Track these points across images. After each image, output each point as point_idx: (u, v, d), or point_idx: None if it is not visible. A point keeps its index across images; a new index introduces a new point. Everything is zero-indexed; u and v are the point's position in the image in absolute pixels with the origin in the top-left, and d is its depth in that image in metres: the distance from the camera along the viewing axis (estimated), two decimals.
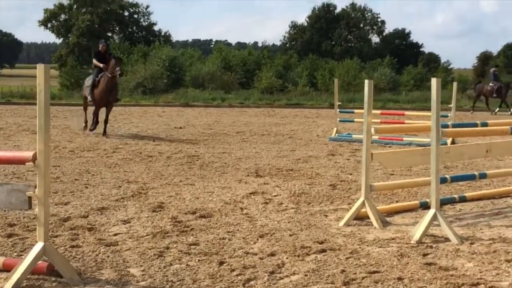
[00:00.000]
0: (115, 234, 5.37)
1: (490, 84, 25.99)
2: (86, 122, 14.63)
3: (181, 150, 11.32)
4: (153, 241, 5.16)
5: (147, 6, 60.00)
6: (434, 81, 5.31)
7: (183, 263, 4.59)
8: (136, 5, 58.11)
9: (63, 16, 57.28)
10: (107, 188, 7.44)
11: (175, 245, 5.04)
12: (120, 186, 7.58)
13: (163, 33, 57.96)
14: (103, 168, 9.01)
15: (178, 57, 37.14)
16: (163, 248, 4.95)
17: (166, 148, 11.61)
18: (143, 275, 4.32)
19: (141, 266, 4.50)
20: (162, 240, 5.19)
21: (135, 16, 58.70)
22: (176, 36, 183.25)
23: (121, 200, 6.79)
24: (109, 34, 57.81)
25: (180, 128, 16.28)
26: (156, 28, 58.95)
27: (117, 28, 58.62)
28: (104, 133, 13.59)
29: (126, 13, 58.32)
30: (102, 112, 14.04)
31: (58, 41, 62.11)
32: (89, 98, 14.02)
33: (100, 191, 7.23)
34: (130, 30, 58.68)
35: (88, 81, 14.27)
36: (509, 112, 25.75)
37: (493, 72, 27.02)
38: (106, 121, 13.85)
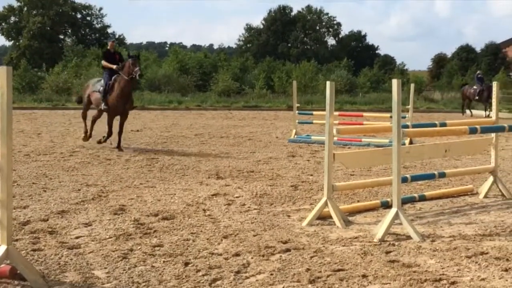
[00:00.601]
0: (77, 237, 5.28)
1: (474, 87, 25.97)
2: (86, 132, 12.48)
3: (140, 153, 11.20)
4: (116, 244, 5.09)
5: (100, 8, 59.00)
6: (395, 83, 5.40)
7: (148, 264, 4.56)
8: (89, 7, 57.13)
9: (13, 19, 55.88)
10: (66, 192, 7.30)
11: (139, 247, 4.99)
12: (79, 190, 7.46)
13: (117, 36, 57.19)
14: (61, 172, 8.85)
15: None
16: (127, 250, 4.90)
17: (125, 151, 11.46)
18: (108, 277, 4.26)
19: (105, 268, 4.45)
20: (126, 242, 5.14)
21: (88, 18, 57.73)
22: (131, 39, 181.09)
23: (81, 203, 6.68)
24: (61, 37, 56.68)
25: (138, 131, 16.10)
26: (110, 30, 58.17)
27: (69, 31, 57.47)
28: (119, 146, 11.67)
29: (79, 15, 57.28)
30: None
31: (8, 43, 60.58)
32: (102, 106, 11.73)
33: (59, 195, 7.09)
34: (83, 32, 57.60)
35: (97, 86, 12.20)
36: (484, 115, 25.15)
37: (477, 76, 26.98)
38: (120, 132, 11.84)
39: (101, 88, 11.92)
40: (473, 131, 6.30)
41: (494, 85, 7.55)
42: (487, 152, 7.71)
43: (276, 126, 18.86)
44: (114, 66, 11.88)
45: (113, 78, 11.81)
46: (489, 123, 7.45)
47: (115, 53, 12.35)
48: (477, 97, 25.57)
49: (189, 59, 40.99)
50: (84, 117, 12.86)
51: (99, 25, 57.85)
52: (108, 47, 12.48)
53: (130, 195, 7.19)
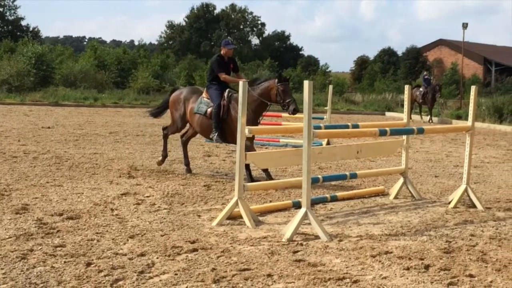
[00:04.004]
0: None
1: (420, 89, 24.94)
2: (165, 156, 9.44)
3: (49, 151, 10.78)
4: (16, 244, 4.86)
5: (14, 0, 56.52)
6: (306, 84, 5.43)
7: (48, 265, 4.37)
8: None
9: None
10: None
11: (40, 247, 4.79)
12: None
13: (31, 29, 55.05)
14: None
15: (46, 54, 35.36)
16: (27, 250, 4.69)
17: (33, 149, 11.01)
18: (4, 277, 4.07)
19: (1, 269, 4.23)
20: (26, 243, 4.91)
21: (0, 9, 55.24)
22: (46, 32, 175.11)
23: None
24: None
25: (48, 128, 15.50)
26: (23, 23, 55.88)
27: None
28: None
29: None
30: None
31: None
32: (215, 137, 8.55)
33: None
34: None
35: (202, 106, 8.71)
36: (427, 119, 24.88)
37: (423, 77, 26.34)
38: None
39: (209, 110, 8.55)
40: (383, 133, 6.44)
41: (406, 88, 7.76)
42: (400, 154, 7.90)
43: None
44: (241, 81, 7.55)
45: (226, 96, 8.63)
46: (400, 125, 7.64)
47: (229, 62, 8.98)
48: (421, 100, 24.85)
49: (107, 55, 40.02)
50: (167, 136, 9.64)
51: (12, 17, 55.50)
52: (222, 53, 8.92)
53: (34, 194, 6.89)
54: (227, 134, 8.47)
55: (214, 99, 8.59)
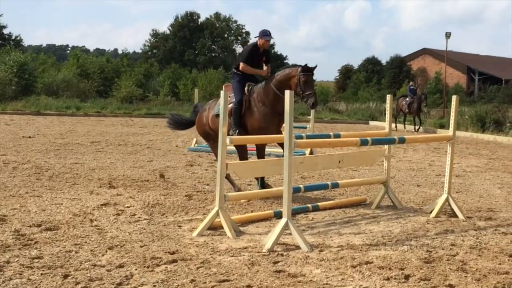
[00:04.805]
0: None
1: (407, 99, 25.08)
2: (239, 190, 7.95)
3: (29, 161, 10.66)
4: None
5: None
6: (287, 93, 5.42)
7: (25, 277, 4.29)
8: None
9: None
10: None
11: (17, 259, 4.70)
12: None
13: (13, 37, 54.62)
14: None
15: (28, 63, 35.12)
16: (3, 262, 4.61)
17: (13, 159, 10.88)
18: None
19: None
20: (3, 254, 4.83)
21: None
22: (29, 41, 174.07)
23: None
24: None
25: (29, 137, 15.35)
26: (6, 31, 55.41)
27: None
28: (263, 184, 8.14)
29: None
30: None
31: None
32: (235, 134, 7.85)
33: None
34: None
35: (217, 108, 7.96)
36: (414, 129, 25.00)
37: (409, 87, 26.28)
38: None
39: (229, 106, 7.68)
40: (364, 142, 6.45)
41: (388, 98, 7.78)
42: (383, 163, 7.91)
43: (177, 134, 18.60)
44: (264, 71, 8.21)
45: (246, 90, 8.09)
46: (382, 135, 7.66)
47: (263, 54, 8.31)
48: (407, 110, 24.91)
49: (90, 64, 39.84)
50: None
51: None
52: (258, 44, 8.22)
53: (13, 205, 6.79)
54: (248, 131, 7.98)
55: (235, 94, 8.05)
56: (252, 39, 8.52)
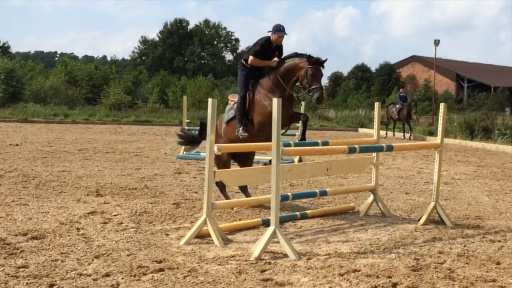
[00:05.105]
0: None
1: (396, 106, 25.00)
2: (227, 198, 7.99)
3: (16, 169, 10.57)
4: None
5: None
6: (275, 101, 5.41)
7: (10, 286, 4.25)
8: None
9: None
10: None
11: (2, 269, 4.64)
12: None
13: (1, 44, 54.39)
14: None
15: (16, 70, 34.94)
16: None
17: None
18: None
19: None
20: None
21: None
22: (17, 47, 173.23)
23: None
24: None
25: (16, 145, 15.24)
26: None
27: None
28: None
29: None
30: None
31: None
32: (240, 131, 7.56)
33: None
34: None
35: (231, 112, 7.85)
36: (403, 136, 24.95)
37: (399, 95, 26.08)
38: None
39: (237, 103, 7.65)
40: (352, 150, 6.45)
41: (376, 105, 7.80)
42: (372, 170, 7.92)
43: (166, 141, 18.59)
44: (274, 61, 7.61)
45: (250, 85, 7.73)
46: (370, 142, 7.66)
47: (276, 49, 7.76)
48: (396, 116, 24.85)
49: (78, 71, 39.71)
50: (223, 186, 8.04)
51: None
52: (271, 39, 7.68)
53: None
54: (257, 123, 7.52)
55: (240, 88, 7.75)
56: (266, 33, 8.06)
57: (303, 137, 7.61)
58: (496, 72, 63.75)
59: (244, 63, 7.79)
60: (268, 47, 7.67)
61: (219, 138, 7.80)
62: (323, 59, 7.32)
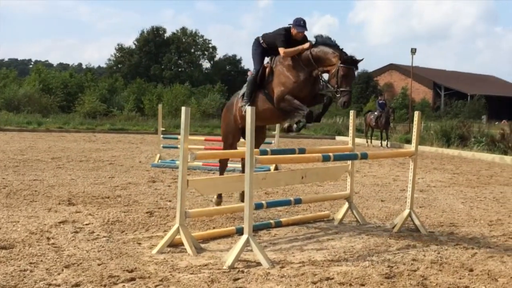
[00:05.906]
0: None
1: (375, 113, 24.70)
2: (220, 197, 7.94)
3: None
4: None
5: None
6: (248, 110, 5.37)
7: None
8: None
9: None
10: None
11: None
12: None
13: None
14: None
15: None
16: None
17: None
18: None
19: None
20: None
21: None
22: None
23: None
24: None
25: None
26: None
27: None
28: None
29: None
30: None
31: None
32: (245, 107, 6.90)
33: None
34: None
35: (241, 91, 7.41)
36: (381, 144, 24.79)
37: (378, 102, 25.81)
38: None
39: (249, 77, 7.18)
40: (326, 158, 6.43)
41: (351, 114, 7.80)
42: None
43: (141, 150, 18.43)
44: (307, 44, 6.64)
45: (270, 59, 7.11)
46: (345, 150, 7.66)
47: (294, 43, 6.82)
48: (374, 123, 24.58)
49: (52, 78, 39.32)
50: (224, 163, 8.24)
51: None
52: (292, 33, 6.90)
53: None
54: (276, 93, 6.77)
55: (255, 62, 7.12)
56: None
57: (318, 119, 6.82)
58: (473, 80, 64.65)
59: (261, 40, 7.16)
60: (289, 39, 6.86)
61: (230, 115, 7.56)
62: (359, 58, 6.48)
